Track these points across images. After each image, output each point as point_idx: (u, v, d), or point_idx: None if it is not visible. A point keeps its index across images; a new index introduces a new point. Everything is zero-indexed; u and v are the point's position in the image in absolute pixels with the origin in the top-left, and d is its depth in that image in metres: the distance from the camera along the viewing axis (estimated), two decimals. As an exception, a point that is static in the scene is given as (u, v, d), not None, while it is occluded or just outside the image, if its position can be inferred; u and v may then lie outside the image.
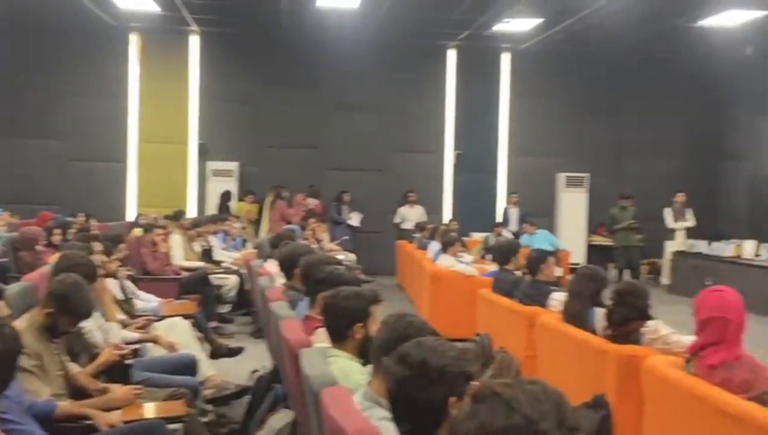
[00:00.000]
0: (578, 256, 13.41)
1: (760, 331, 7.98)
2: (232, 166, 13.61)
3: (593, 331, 4.60)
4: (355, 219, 13.47)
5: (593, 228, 14.41)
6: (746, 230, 12.78)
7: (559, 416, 1.49)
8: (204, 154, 13.71)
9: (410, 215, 13.57)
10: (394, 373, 2.02)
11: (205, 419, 4.56)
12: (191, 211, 13.18)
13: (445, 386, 1.96)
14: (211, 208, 13.06)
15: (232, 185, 13.53)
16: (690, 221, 12.61)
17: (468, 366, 2.03)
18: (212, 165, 13.60)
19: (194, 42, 13.73)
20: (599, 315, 4.62)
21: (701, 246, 11.98)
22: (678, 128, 14.63)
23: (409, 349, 2.04)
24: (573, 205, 14.32)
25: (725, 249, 11.53)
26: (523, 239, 11.64)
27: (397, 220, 13.78)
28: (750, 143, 13.86)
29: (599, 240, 14.18)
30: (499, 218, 13.75)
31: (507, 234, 12.36)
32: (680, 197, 12.66)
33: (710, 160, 14.71)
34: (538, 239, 11.86)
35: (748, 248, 11.30)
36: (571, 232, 14.11)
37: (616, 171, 14.51)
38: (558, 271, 9.87)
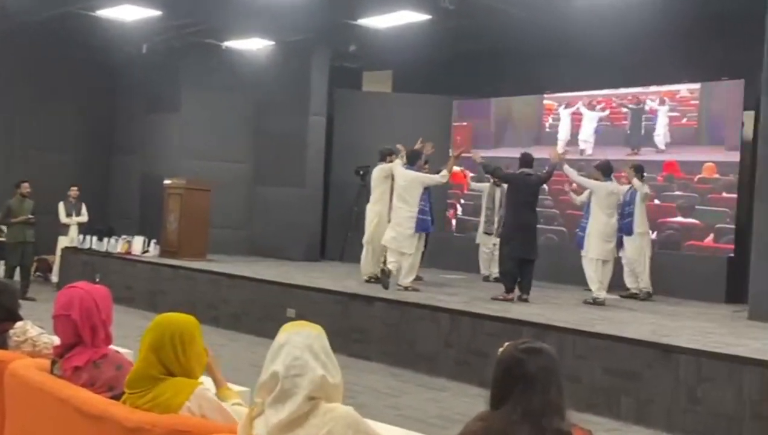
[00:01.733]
0: (-40, 252, 12.20)
1: (122, 320, 8.30)
2: None
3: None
4: None
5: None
6: (136, 227, 13.35)
7: None
8: None
9: None
10: None
11: None
12: None
13: None
14: None
15: None
16: (84, 216, 12.66)
17: None
18: None
19: None
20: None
21: (92, 242, 12.11)
22: (74, 119, 14.45)
23: None
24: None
25: (115, 245, 11.88)
26: None
27: None
28: (141, 140, 14.42)
29: (-9, 235, 13.12)
30: None
31: None
32: (74, 191, 12.60)
33: (103, 154, 14.89)
34: None
35: (137, 244, 11.85)
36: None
37: (9, 160, 13.62)
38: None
